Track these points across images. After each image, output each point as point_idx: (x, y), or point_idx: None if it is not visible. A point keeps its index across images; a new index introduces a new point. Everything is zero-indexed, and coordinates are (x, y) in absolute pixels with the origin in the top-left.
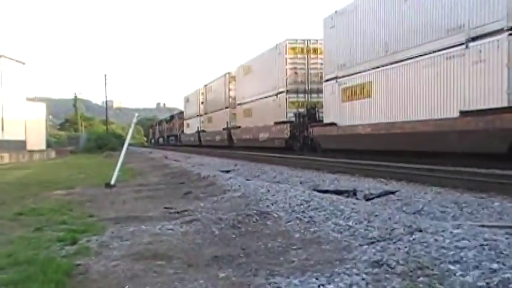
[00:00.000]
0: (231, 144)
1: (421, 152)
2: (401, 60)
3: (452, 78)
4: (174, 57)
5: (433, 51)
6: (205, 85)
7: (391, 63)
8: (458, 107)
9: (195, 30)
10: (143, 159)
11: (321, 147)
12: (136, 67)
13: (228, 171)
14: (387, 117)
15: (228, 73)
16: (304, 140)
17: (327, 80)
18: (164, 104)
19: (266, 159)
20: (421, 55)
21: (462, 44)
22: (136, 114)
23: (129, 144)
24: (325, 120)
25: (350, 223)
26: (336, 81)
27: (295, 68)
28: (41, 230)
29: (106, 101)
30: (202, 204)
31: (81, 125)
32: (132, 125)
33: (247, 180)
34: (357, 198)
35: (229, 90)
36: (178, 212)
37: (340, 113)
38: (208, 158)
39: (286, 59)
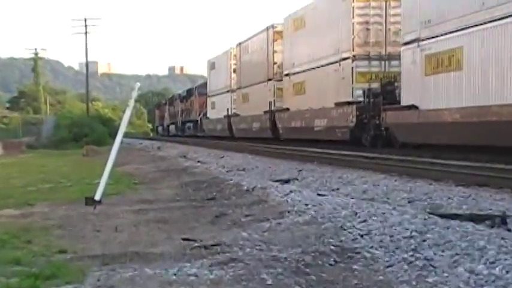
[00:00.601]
0: (276, 136)
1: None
2: (500, 18)
3: None
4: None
5: None
6: (240, 43)
7: (488, 22)
8: None
9: None
10: (148, 159)
11: (397, 140)
12: (137, 12)
13: (287, 181)
14: (481, 99)
15: (272, 27)
16: (376, 130)
17: (407, 43)
18: (181, 69)
19: (350, 161)
20: None
21: None
22: (138, 85)
23: (125, 135)
24: (404, 102)
25: (496, 271)
26: (418, 45)
27: (366, 23)
28: None
29: (87, 63)
30: (245, 235)
31: (46, 103)
32: (131, 103)
33: (319, 195)
34: (509, 230)
35: (273, 52)
36: (205, 247)
37: (423, 91)
38: (254, 158)
39: (353, 8)
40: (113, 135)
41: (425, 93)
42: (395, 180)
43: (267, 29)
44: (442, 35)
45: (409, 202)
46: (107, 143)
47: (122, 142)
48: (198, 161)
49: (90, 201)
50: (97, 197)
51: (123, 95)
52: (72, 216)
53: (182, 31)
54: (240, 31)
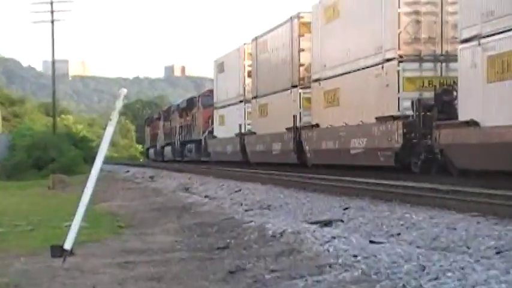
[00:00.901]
0: (303, 161)
1: None
2: None
3: None
4: None
5: None
6: (256, 38)
7: None
8: None
9: None
10: (137, 193)
11: (455, 166)
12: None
13: (328, 223)
14: None
15: (298, 16)
16: (428, 153)
17: (465, 41)
18: (183, 70)
19: (414, 195)
20: None
21: None
22: (124, 91)
23: (106, 160)
24: (461, 116)
25: None
26: (479, 44)
27: (416, 13)
28: None
29: (53, 62)
30: None
31: None
32: (114, 117)
33: (372, 243)
34: None
35: (299, 51)
36: None
37: (485, 102)
38: (282, 191)
39: None
40: (90, 161)
41: (488, 105)
42: (478, 223)
43: (291, 19)
44: (507, 30)
45: (497, 253)
46: (81, 171)
47: (101, 170)
48: (206, 196)
49: (58, 251)
50: (67, 246)
51: (102, 106)
52: (34, 271)
53: (184, 20)
54: (258, 22)
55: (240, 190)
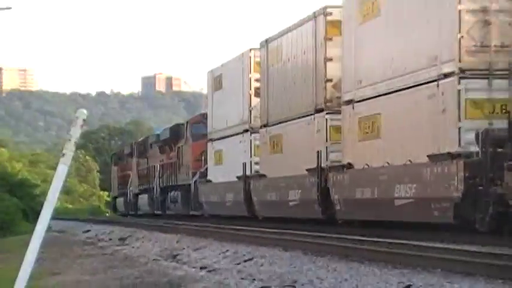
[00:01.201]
0: (329, 215)
1: None
2: None
3: None
4: None
5: None
6: (267, 42)
7: None
8: None
9: None
10: (101, 263)
11: None
12: None
13: None
14: None
15: (324, 13)
16: (499, 206)
17: None
18: (169, 82)
19: (501, 266)
20: None
21: None
22: (83, 114)
23: (57, 214)
24: None
25: None
26: None
27: (484, 11)
28: None
29: None
30: None
31: None
32: (68, 150)
33: None
34: None
35: (325, 60)
36: None
37: None
38: (313, 261)
39: None
40: (32, 215)
41: None
42: None
43: (315, 16)
44: None
45: None
46: (20, 230)
47: (50, 228)
48: (202, 267)
49: None
50: None
51: (51, 135)
52: None
53: (170, 15)
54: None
55: (251, 259)
